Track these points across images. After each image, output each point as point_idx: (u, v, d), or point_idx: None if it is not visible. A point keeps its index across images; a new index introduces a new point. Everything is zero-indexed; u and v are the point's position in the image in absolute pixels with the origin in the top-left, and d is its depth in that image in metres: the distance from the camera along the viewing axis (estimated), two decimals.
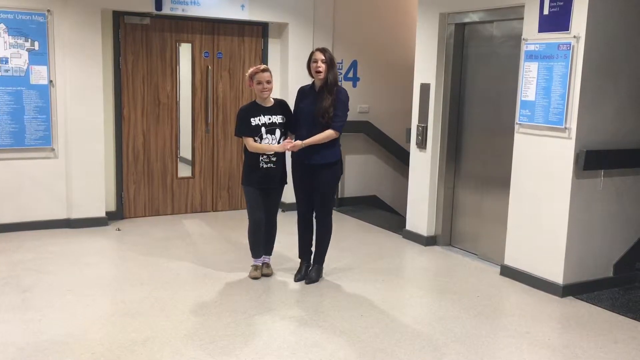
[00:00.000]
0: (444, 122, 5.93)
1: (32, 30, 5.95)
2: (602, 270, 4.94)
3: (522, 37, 4.94)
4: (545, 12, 4.73)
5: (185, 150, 7.24)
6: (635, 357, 3.78)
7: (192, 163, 7.16)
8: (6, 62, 5.89)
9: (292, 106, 4.90)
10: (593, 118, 4.63)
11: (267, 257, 5.06)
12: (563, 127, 4.62)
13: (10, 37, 5.88)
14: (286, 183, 4.94)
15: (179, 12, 6.56)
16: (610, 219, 4.89)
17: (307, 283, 4.87)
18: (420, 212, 6.12)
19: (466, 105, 5.87)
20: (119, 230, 6.32)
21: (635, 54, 4.77)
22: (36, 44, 5.99)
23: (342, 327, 4.03)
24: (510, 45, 5.29)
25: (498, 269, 5.28)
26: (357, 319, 4.18)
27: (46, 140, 6.14)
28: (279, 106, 4.83)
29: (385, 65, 7.83)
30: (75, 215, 6.32)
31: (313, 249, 5.01)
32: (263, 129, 4.70)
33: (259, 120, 4.70)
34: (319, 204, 4.84)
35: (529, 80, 4.88)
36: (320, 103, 4.61)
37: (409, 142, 6.28)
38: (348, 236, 6.36)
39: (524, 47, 4.92)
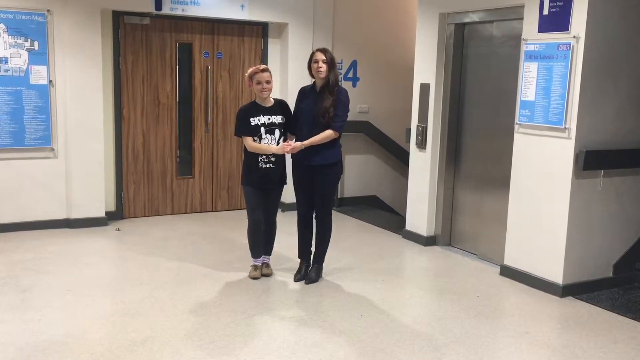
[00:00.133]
0: (444, 122, 5.93)
1: (31, 30, 5.95)
2: (602, 271, 4.94)
3: (522, 37, 4.94)
4: (545, 12, 4.72)
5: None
6: (635, 357, 3.78)
7: (192, 163, 7.17)
8: (6, 62, 5.89)
9: (292, 106, 4.90)
10: (593, 118, 4.63)
11: (267, 257, 5.05)
12: (563, 127, 4.62)
13: (10, 37, 5.88)
14: (286, 183, 4.93)
15: (178, 12, 6.56)
16: (610, 219, 4.88)
17: (306, 283, 4.87)
18: (420, 212, 6.12)
19: (466, 106, 5.87)
20: (118, 230, 6.32)
21: (635, 54, 4.77)
22: (36, 44, 5.98)
23: (341, 327, 4.03)
24: (510, 45, 5.29)
25: (498, 269, 5.28)
26: (357, 319, 4.18)
27: (46, 140, 6.14)
28: (279, 106, 4.83)
29: (385, 65, 7.83)
30: (75, 215, 6.32)
31: (313, 249, 5.01)
32: (262, 129, 4.70)
33: (259, 120, 4.70)
34: (319, 204, 4.84)
35: (529, 80, 4.88)
36: (320, 103, 4.61)
37: (409, 142, 6.28)
38: (348, 236, 6.36)
39: (524, 47, 4.92)
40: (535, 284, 4.89)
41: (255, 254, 4.95)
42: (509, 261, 5.16)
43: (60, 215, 6.30)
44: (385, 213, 7.70)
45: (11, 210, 6.08)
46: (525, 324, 4.20)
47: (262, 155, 4.72)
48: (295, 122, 4.80)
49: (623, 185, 4.90)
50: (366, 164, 7.95)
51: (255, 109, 4.75)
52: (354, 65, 7.68)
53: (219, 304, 4.38)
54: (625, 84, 4.76)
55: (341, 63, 7.51)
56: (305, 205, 4.89)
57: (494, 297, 4.75)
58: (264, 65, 4.84)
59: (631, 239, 5.05)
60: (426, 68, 5.95)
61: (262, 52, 7.31)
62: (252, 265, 4.98)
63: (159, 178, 6.96)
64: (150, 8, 6.40)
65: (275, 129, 4.75)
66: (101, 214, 6.46)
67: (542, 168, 4.82)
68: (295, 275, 4.95)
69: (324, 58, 4.60)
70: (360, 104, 7.64)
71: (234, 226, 6.55)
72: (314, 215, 4.91)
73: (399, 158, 7.90)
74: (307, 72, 4.77)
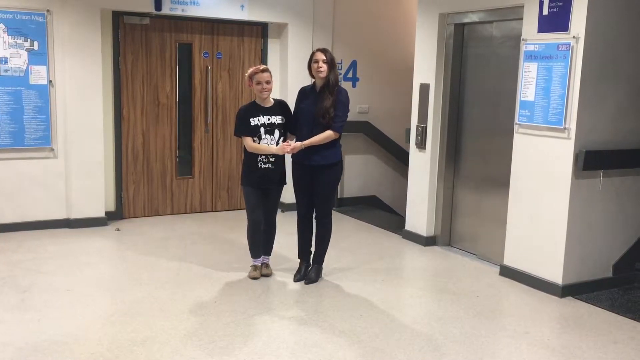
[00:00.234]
0: (444, 122, 5.93)
1: (31, 30, 5.95)
2: (602, 271, 4.94)
3: (522, 37, 4.94)
4: (545, 12, 4.73)
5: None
6: (635, 357, 3.78)
7: (192, 163, 7.16)
8: (6, 62, 5.89)
9: (292, 106, 4.90)
10: (592, 118, 4.63)
11: (267, 257, 5.05)
12: (562, 127, 4.62)
13: (9, 37, 5.88)
14: (285, 183, 4.93)
15: (178, 12, 6.56)
16: (610, 219, 4.89)
17: (306, 283, 4.87)
18: (419, 213, 6.12)
19: (465, 106, 5.87)
20: (118, 230, 6.32)
21: (635, 55, 4.77)
22: (35, 44, 5.98)
23: (341, 327, 4.03)
24: (510, 46, 5.29)
25: (497, 269, 5.28)
26: (357, 319, 4.18)
27: (45, 140, 6.14)
28: (279, 106, 4.83)
29: (385, 65, 7.83)
30: (75, 215, 6.32)
31: (312, 249, 5.01)
32: (262, 129, 4.70)
33: (258, 120, 4.70)
34: (319, 205, 4.84)
35: (529, 81, 4.88)
36: (320, 103, 4.61)
37: (409, 142, 6.28)
38: (348, 236, 6.36)
39: (524, 48, 4.92)
40: (535, 284, 4.89)
41: (254, 254, 4.95)
42: (508, 261, 5.16)
43: (60, 215, 6.30)
44: (385, 213, 7.71)
45: (11, 210, 6.08)
46: (525, 324, 4.20)
47: (261, 155, 4.72)
48: (295, 122, 4.80)
49: (623, 185, 4.90)
50: (366, 164, 7.95)
51: (255, 109, 4.75)
52: (353, 65, 7.68)
53: (219, 304, 4.38)
54: (624, 84, 4.76)
55: (341, 63, 7.51)
56: (305, 205, 4.89)
57: (494, 297, 4.75)
58: (264, 66, 4.84)
59: (631, 239, 5.05)
60: (426, 68, 5.95)
61: (261, 52, 7.32)
62: (251, 266, 4.98)
63: (159, 178, 6.96)
64: (150, 8, 6.40)
65: (274, 129, 4.75)
66: (101, 214, 6.46)
67: (542, 168, 4.82)
68: (295, 276, 4.95)
69: (324, 58, 4.60)
70: (360, 104, 7.64)
71: (234, 226, 6.55)
72: (313, 215, 4.92)
73: (399, 158, 7.90)
74: (307, 72, 4.77)
